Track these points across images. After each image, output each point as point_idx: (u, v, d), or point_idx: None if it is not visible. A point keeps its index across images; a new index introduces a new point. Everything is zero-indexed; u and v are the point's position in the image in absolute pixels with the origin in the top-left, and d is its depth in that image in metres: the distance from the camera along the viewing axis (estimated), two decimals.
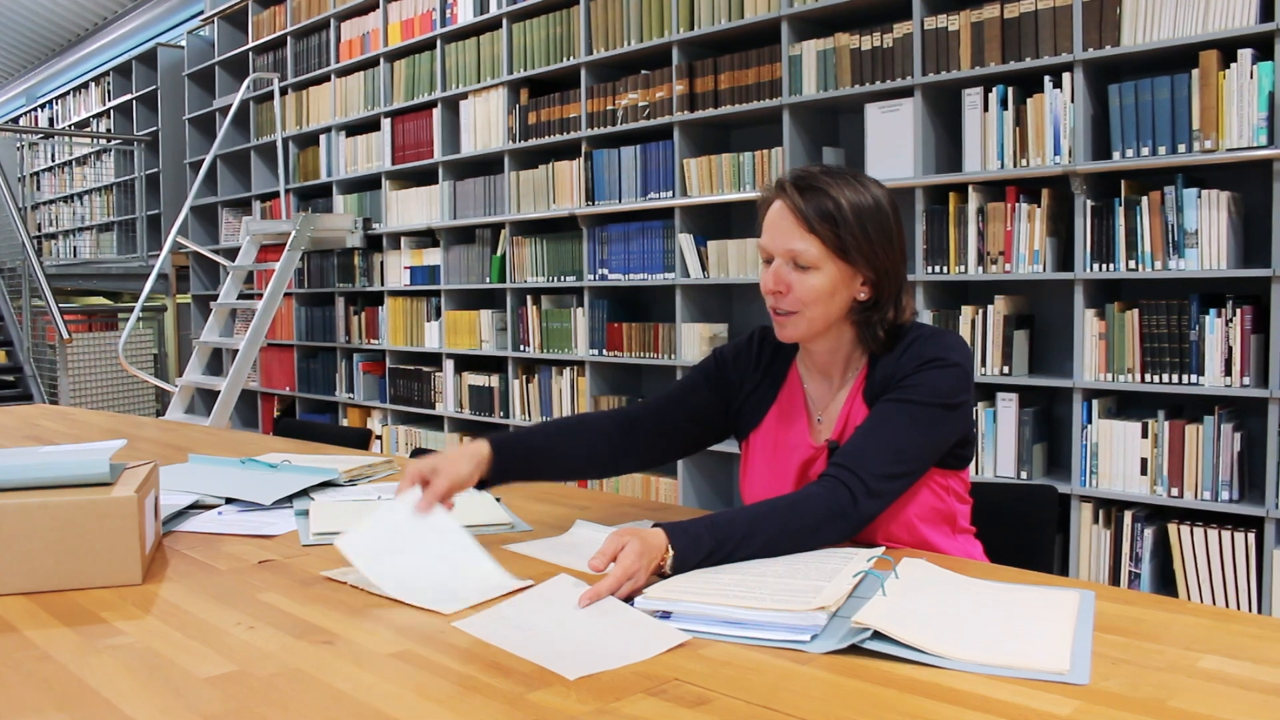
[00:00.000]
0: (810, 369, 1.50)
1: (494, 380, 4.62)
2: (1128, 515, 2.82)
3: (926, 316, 3.18)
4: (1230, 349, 2.64)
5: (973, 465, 3.05)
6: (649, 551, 1.16)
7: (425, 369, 4.98)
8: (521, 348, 4.49)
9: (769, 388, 1.53)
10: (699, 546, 1.20)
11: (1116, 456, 2.83)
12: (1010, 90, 3.00)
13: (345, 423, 5.47)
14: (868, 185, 1.38)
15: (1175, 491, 2.74)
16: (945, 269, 3.14)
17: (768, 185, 1.43)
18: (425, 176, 5.08)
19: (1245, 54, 2.58)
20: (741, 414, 1.54)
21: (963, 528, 1.46)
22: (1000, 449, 3.04)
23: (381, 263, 5.26)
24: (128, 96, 7.90)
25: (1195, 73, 2.66)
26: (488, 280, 4.64)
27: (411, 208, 5.06)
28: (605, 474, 1.57)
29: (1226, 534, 2.65)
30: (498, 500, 1.69)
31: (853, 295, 1.39)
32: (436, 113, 4.84)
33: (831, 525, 1.27)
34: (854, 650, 0.97)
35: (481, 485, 1.41)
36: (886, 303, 1.39)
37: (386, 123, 5.13)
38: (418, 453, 2.33)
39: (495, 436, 1.42)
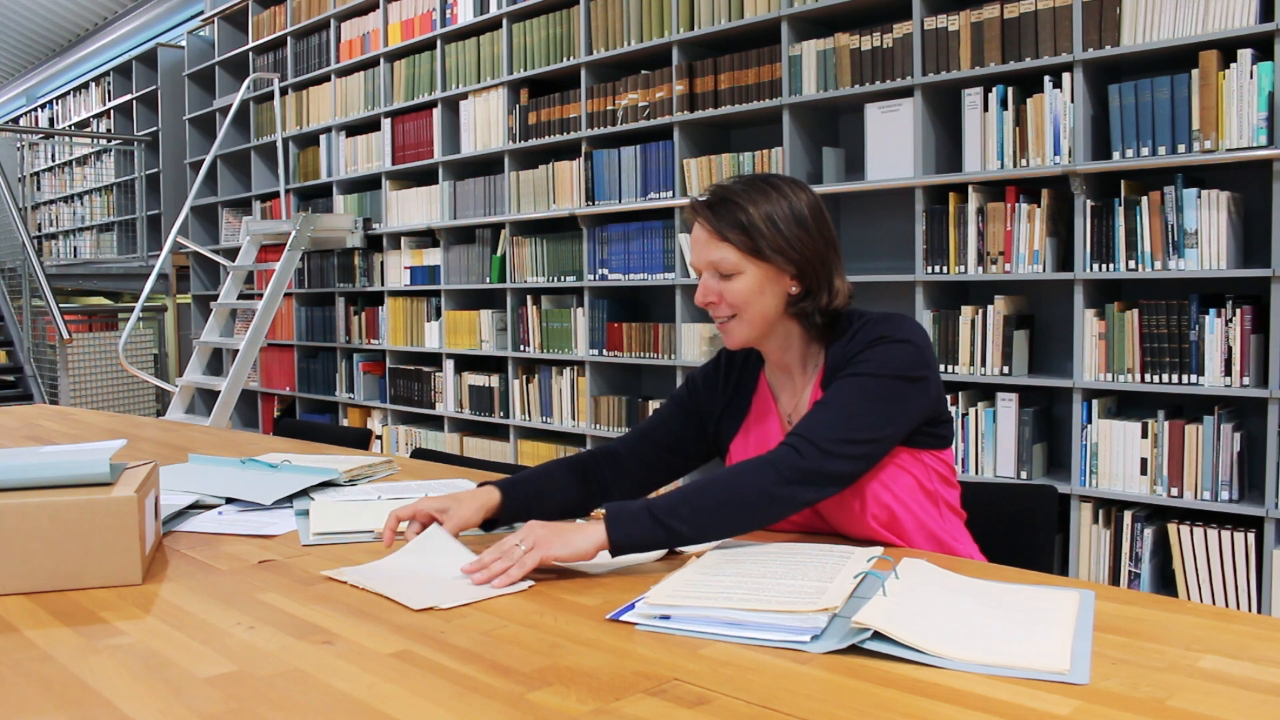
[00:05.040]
0: (776, 374, 1.56)
1: (494, 380, 4.62)
2: (1127, 515, 2.82)
3: (927, 317, 3.18)
4: (1230, 349, 2.64)
5: (973, 465, 3.08)
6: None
7: (425, 369, 4.98)
8: (521, 348, 4.49)
9: (741, 400, 1.58)
10: (637, 522, 1.25)
11: (1116, 456, 2.83)
12: (1010, 90, 3.00)
13: (345, 423, 5.47)
14: (780, 187, 1.44)
15: (1175, 491, 2.74)
16: (945, 269, 3.14)
17: (687, 206, 1.50)
18: (425, 176, 5.08)
19: (1245, 54, 2.58)
20: (719, 431, 1.60)
21: (951, 507, 1.48)
22: (1000, 449, 3.04)
23: (381, 263, 5.26)
24: (128, 96, 7.90)
25: (1195, 73, 2.66)
26: (488, 280, 4.64)
27: (411, 208, 5.06)
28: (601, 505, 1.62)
29: (1226, 534, 2.65)
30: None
31: (784, 291, 1.45)
32: (436, 113, 4.84)
33: (780, 479, 1.29)
34: (854, 650, 0.97)
35: (488, 526, 1.46)
36: (819, 291, 1.45)
37: (386, 123, 5.13)
38: (418, 453, 2.34)
39: (505, 483, 1.47)
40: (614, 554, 1.25)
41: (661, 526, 1.25)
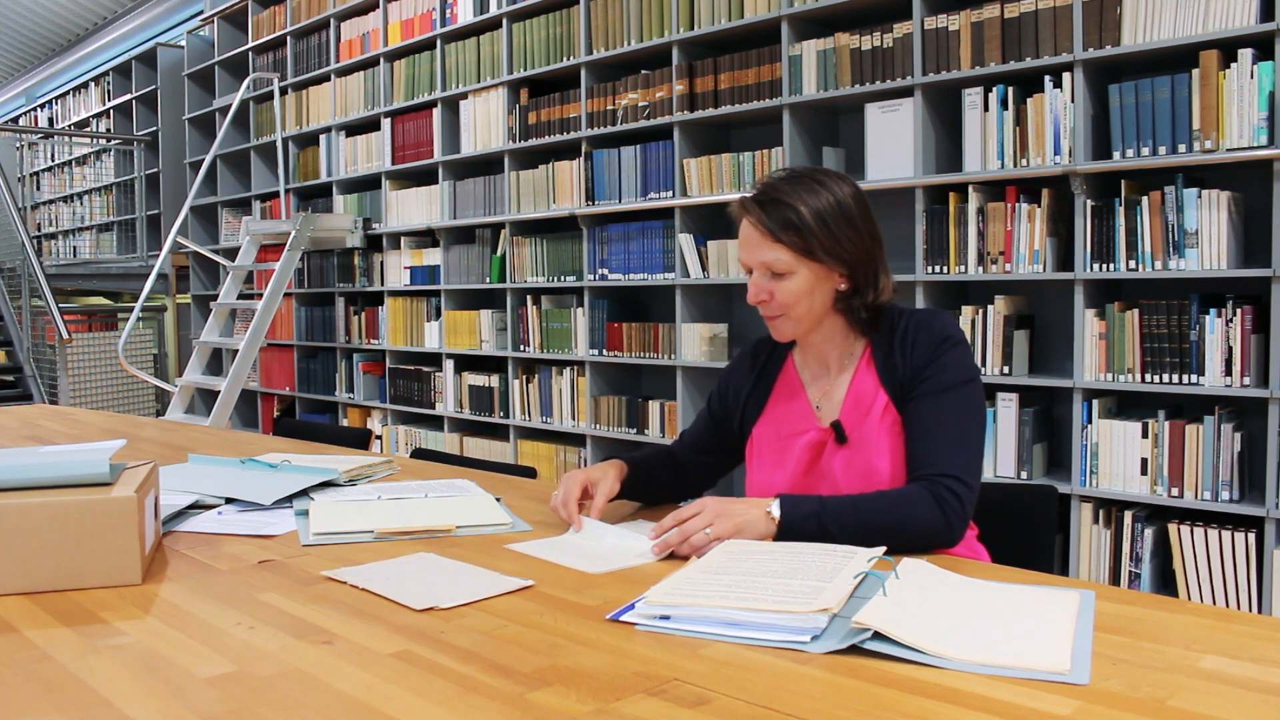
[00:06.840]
0: (807, 360, 1.59)
1: (494, 380, 4.62)
2: (1128, 515, 2.82)
3: None
4: (1230, 349, 2.64)
5: None
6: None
7: (425, 369, 4.98)
8: (521, 348, 4.49)
9: (765, 383, 1.62)
10: (807, 524, 1.32)
11: (1116, 456, 2.83)
12: (1010, 90, 3.00)
13: (345, 423, 5.47)
14: (827, 184, 1.46)
15: (1175, 491, 2.74)
16: (945, 269, 3.14)
17: (735, 203, 1.53)
18: (425, 176, 5.08)
19: (1245, 54, 2.58)
20: (744, 418, 1.63)
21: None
22: (1000, 449, 3.04)
23: (381, 263, 5.26)
24: (128, 96, 7.90)
25: (1195, 73, 2.66)
26: (488, 280, 4.64)
27: (411, 208, 5.06)
28: (670, 501, 1.73)
29: (1226, 534, 2.65)
30: (498, 500, 1.69)
31: (833, 288, 1.49)
32: (436, 113, 4.84)
33: (946, 521, 1.35)
34: (854, 650, 0.97)
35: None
36: (866, 287, 1.48)
37: (386, 123, 5.13)
38: (418, 453, 2.34)
39: (630, 458, 1.62)
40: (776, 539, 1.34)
41: (825, 531, 1.31)
